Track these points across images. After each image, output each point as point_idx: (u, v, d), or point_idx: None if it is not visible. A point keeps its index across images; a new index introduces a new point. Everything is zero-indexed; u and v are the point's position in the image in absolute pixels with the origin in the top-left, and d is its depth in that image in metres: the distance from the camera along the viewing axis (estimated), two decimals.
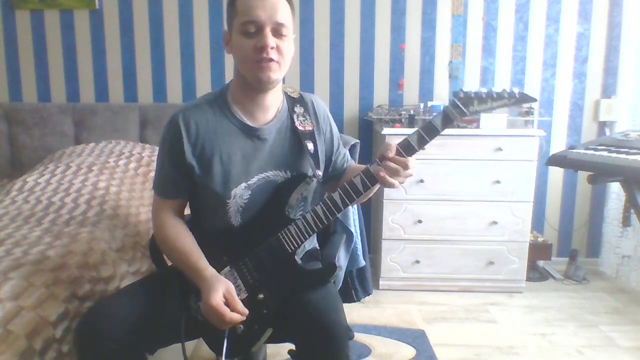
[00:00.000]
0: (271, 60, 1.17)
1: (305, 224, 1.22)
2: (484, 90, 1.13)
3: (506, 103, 1.12)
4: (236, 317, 1.18)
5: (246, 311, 1.19)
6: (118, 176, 2.18)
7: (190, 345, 1.28)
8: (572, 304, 2.59)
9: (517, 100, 1.12)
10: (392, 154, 1.14)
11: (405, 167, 1.14)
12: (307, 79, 2.97)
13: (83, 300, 1.30)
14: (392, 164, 1.13)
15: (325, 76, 2.97)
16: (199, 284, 1.22)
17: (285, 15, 1.19)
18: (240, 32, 1.18)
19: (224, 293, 1.18)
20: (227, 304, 1.18)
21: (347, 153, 1.49)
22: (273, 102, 1.30)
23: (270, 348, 1.91)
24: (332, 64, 2.96)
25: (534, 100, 1.17)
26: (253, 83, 1.22)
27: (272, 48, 1.17)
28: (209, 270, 1.22)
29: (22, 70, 2.98)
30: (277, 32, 1.18)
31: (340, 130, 2.97)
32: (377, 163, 1.16)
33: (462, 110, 1.13)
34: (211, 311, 1.17)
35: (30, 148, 2.81)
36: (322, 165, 1.35)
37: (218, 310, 1.16)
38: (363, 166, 1.23)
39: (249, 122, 1.27)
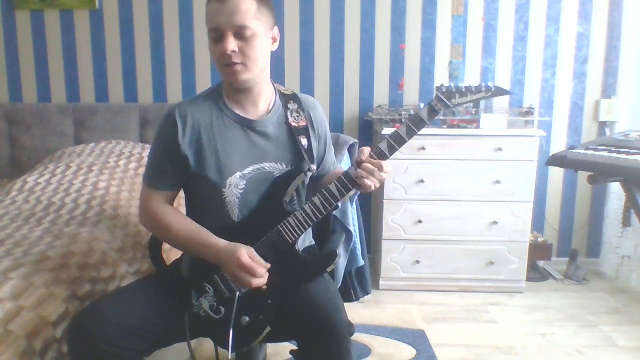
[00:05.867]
0: (235, 63, 1.22)
1: (304, 215, 1.25)
2: (463, 84, 1.25)
3: (484, 95, 1.24)
4: (265, 274, 1.21)
5: (267, 269, 1.22)
6: (118, 176, 2.18)
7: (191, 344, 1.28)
8: (572, 304, 2.59)
9: (493, 93, 1.24)
10: (365, 157, 1.22)
11: (380, 168, 1.21)
12: (307, 79, 2.97)
13: (83, 300, 1.30)
14: (368, 165, 1.21)
15: (325, 76, 2.97)
16: (216, 256, 1.23)
17: (246, 17, 1.21)
18: (209, 39, 1.25)
19: (247, 252, 1.20)
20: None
21: (336, 162, 1.54)
22: (262, 96, 1.34)
23: (270, 348, 1.91)
24: (332, 64, 2.96)
25: (508, 92, 1.31)
26: (229, 84, 1.29)
27: (233, 51, 1.21)
28: (223, 241, 1.24)
29: (22, 70, 2.98)
30: (240, 35, 1.22)
31: (340, 131, 2.97)
32: (355, 167, 1.23)
33: (445, 102, 1.23)
34: (242, 269, 1.19)
35: (30, 148, 2.81)
36: (315, 160, 1.39)
37: (249, 266, 1.18)
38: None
39: (243, 115, 1.31)
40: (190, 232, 1.27)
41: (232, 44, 1.21)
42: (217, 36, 1.22)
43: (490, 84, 1.24)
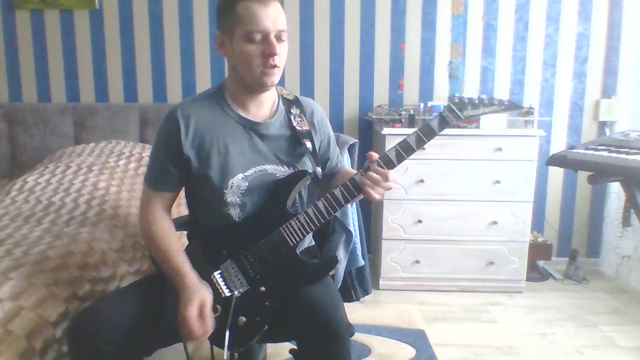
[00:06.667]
0: (275, 66, 1.22)
1: (307, 218, 1.24)
2: (477, 97, 1.23)
3: (497, 109, 1.23)
4: (202, 335, 1.20)
5: (210, 329, 1.21)
6: (118, 176, 2.18)
7: (189, 344, 1.28)
8: (572, 304, 2.59)
9: (506, 107, 1.23)
10: (372, 165, 1.21)
11: (386, 179, 1.20)
12: (307, 79, 2.97)
13: (83, 300, 1.30)
14: (373, 175, 1.20)
15: (325, 76, 2.97)
16: (178, 289, 1.23)
17: (284, 22, 1.23)
18: (244, 39, 1.21)
19: (199, 305, 1.20)
20: (200, 315, 1.20)
21: (340, 156, 1.53)
22: (268, 98, 1.34)
23: (271, 348, 1.91)
24: (332, 64, 2.96)
25: (522, 108, 1.31)
26: (254, 86, 1.27)
27: (277, 55, 1.21)
28: (191, 277, 1.23)
29: (22, 70, 2.98)
30: (279, 38, 1.22)
31: (340, 130, 2.97)
32: (361, 173, 1.22)
33: (458, 114, 1.22)
34: (182, 321, 1.19)
35: (30, 148, 2.81)
36: (320, 163, 1.38)
37: (188, 323, 1.18)
38: (354, 171, 1.30)
39: (247, 117, 1.31)
40: (168, 252, 1.26)
41: (277, 47, 1.21)
42: (258, 38, 1.20)
43: (504, 98, 1.24)
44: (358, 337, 2.16)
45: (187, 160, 1.27)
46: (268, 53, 1.20)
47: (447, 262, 2.68)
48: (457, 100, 1.22)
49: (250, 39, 1.20)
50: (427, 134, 1.21)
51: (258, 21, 1.19)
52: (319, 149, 1.41)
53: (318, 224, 1.24)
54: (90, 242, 1.52)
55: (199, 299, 1.20)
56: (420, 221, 2.64)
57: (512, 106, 1.24)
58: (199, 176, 1.29)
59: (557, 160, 1.91)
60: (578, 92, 2.95)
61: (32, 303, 1.17)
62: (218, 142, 1.28)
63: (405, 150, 1.21)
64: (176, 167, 1.29)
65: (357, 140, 2.52)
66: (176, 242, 1.29)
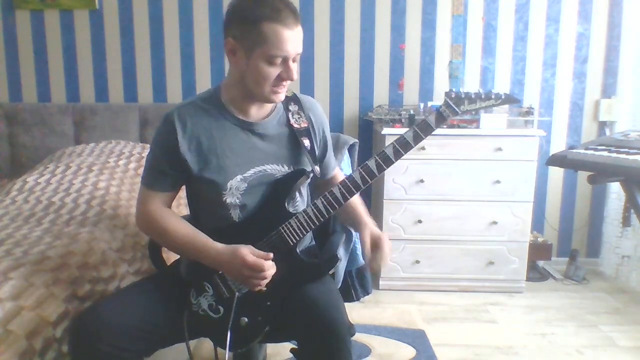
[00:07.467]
0: (285, 85, 1.24)
1: (306, 217, 1.24)
2: (473, 91, 1.23)
3: (493, 103, 1.22)
4: (272, 265, 1.20)
5: (269, 263, 1.21)
6: (118, 176, 2.18)
7: (189, 344, 1.28)
8: (572, 304, 2.59)
9: (503, 101, 1.23)
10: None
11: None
12: (307, 79, 2.97)
13: (83, 300, 1.30)
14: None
15: (325, 76, 2.97)
16: (217, 260, 1.22)
17: (301, 43, 1.24)
18: (264, 60, 1.19)
19: (249, 251, 1.20)
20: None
21: (337, 165, 1.53)
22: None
23: (271, 348, 1.91)
24: (332, 64, 2.96)
25: (518, 101, 1.33)
26: (260, 100, 1.27)
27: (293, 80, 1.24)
28: (221, 244, 1.23)
29: (22, 70, 2.98)
30: (294, 60, 1.24)
31: (340, 130, 2.97)
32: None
33: (454, 109, 1.21)
34: (250, 268, 1.18)
35: (30, 148, 2.81)
36: (318, 162, 1.38)
37: (256, 264, 1.18)
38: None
39: (244, 118, 1.30)
40: (187, 236, 1.26)
41: (295, 72, 1.22)
42: (279, 62, 1.20)
43: (500, 91, 1.23)
44: (358, 337, 2.16)
45: (184, 163, 1.27)
46: (285, 77, 1.22)
47: (447, 262, 2.68)
48: (453, 95, 1.21)
49: (271, 62, 1.19)
50: (424, 129, 1.21)
51: (283, 46, 1.18)
52: (317, 148, 1.40)
53: (317, 223, 1.25)
54: (90, 242, 1.52)
55: (244, 247, 1.20)
56: (420, 221, 2.64)
57: (509, 99, 1.23)
58: (197, 178, 1.28)
59: (557, 160, 1.91)
60: (578, 92, 2.95)
61: (32, 303, 1.17)
62: (215, 144, 1.27)
63: (403, 146, 1.22)
64: (174, 169, 1.28)
65: (357, 141, 2.52)
66: (189, 226, 1.29)
